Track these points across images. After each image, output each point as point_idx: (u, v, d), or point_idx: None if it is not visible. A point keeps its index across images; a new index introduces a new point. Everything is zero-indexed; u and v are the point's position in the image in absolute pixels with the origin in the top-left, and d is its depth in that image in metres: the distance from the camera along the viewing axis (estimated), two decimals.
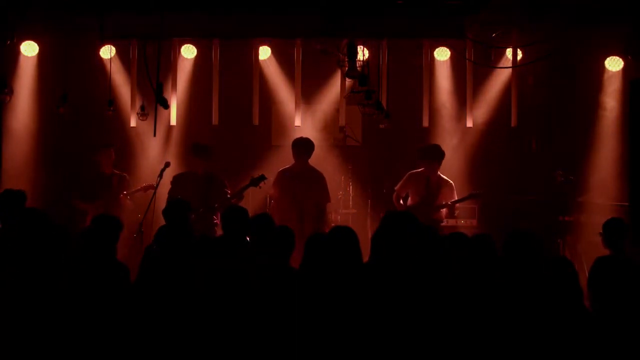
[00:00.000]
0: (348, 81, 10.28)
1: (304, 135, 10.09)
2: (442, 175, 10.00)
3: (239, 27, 10.29)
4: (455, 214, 10.17)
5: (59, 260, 5.40)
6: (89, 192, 10.17)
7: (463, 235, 5.55)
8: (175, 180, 9.71)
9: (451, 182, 10.01)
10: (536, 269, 4.95)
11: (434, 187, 9.88)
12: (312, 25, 9.86)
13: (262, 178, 9.45)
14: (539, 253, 5.10)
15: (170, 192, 9.53)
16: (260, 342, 4.80)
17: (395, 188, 10.02)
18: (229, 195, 9.50)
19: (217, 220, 9.15)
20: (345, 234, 5.49)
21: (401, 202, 9.72)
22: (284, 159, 10.31)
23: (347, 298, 4.98)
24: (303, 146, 9.75)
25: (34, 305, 5.09)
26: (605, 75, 10.97)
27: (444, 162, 10.00)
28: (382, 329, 4.83)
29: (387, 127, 10.04)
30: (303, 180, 9.71)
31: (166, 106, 8.74)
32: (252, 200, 10.36)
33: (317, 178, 9.79)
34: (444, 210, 9.92)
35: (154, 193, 9.22)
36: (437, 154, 9.89)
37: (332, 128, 11.54)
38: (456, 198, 9.94)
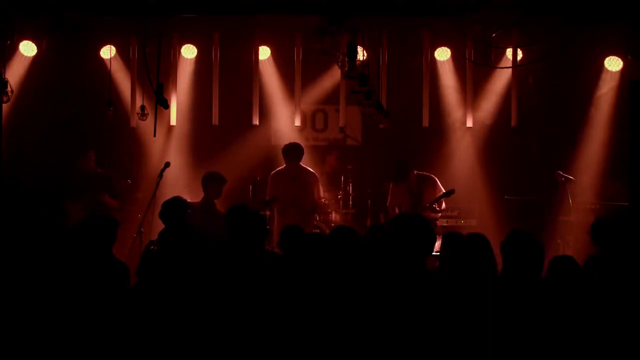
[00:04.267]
0: (348, 81, 10.26)
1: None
2: (419, 173, 9.85)
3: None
4: (440, 210, 10.06)
5: (56, 260, 5.41)
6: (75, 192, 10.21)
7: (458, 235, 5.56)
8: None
9: (431, 176, 9.89)
10: (537, 269, 4.98)
11: (415, 189, 9.82)
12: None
13: (275, 200, 9.63)
14: (538, 253, 5.10)
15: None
16: (257, 339, 4.81)
17: (387, 205, 10.01)
18: None
19: None
20: (347, 234, 5.50)
21: (396, 210, 9.74)
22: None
23: (348, 297, 4.99)
24: (293, 150, 9.89)
25: (34, 304, 5.11)
26: (605, 76, 10.97)
27: (440, 163, 9.93)
28: (382, 328, 4.84)
29: (387, 127, 10.03)
30: (299, 181, 9.83)
31: (166, 106, 8.76)
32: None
33: (312, 178, 9.95)
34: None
35: (154, 193, 9.19)
36: (403, 170, 9.79)
37: (332, 128, 11.54)
38: (441, 189, 9.81)
